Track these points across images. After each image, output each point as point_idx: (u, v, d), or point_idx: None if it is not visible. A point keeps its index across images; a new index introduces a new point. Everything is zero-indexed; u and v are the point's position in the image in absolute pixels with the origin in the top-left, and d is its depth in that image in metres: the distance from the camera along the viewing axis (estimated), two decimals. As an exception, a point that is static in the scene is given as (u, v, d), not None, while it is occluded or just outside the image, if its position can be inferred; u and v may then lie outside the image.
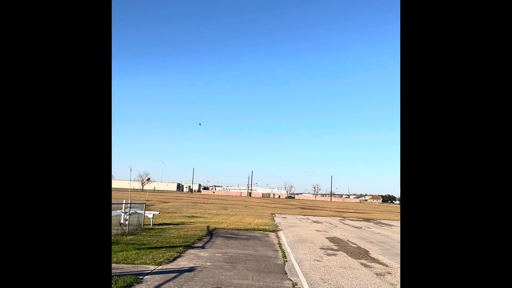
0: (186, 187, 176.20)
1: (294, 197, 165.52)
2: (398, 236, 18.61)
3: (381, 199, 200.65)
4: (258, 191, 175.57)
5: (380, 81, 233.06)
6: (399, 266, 9.52)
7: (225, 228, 17.55)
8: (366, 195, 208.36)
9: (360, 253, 12.29)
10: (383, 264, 10.54)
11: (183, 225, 17.88)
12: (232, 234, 15.41)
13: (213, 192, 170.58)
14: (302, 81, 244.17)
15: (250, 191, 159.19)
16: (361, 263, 10.40)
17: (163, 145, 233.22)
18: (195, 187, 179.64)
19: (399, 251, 13.24)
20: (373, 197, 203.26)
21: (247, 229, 17.68)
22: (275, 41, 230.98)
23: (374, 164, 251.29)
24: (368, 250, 13.21)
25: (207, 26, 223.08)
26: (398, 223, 29.23)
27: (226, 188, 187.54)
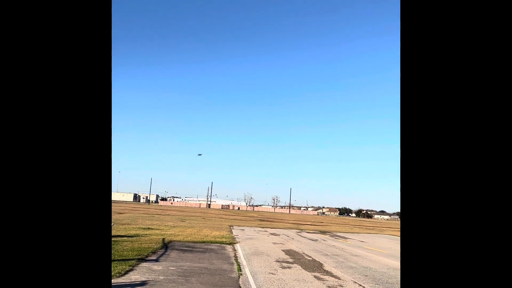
0: (143, 198, 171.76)
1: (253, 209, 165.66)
2: (352, 249, 19.08)
3: (338, 211, 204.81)
4: (217, 202, 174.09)
5: (338, 98, 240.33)
6: (352, 279, 9.74)
7: (181, 241, 17.27)
8: (323, 207, 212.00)
9: (314, 266, 12.48)
10: (335, 277, 10.77)
11: (137, 237, 17.41)
12: (188, 247, 15.19)
13: (171, 204, 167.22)
14: (263, 96, 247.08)
15: (209, 202, 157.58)
16: (315, 276, 10.57)
17: (119, 154, 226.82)
18: (153, 198, 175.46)
19: (352, 264, 13.60)
20: (330, 209, 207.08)
21: (204, 242, 17.49)
22: (239, 54, 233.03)
23: (331, 178, 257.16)
24: (322, 263, 13.44)
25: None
26: (353, 236, 29.96)
27: (185, 200, 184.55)
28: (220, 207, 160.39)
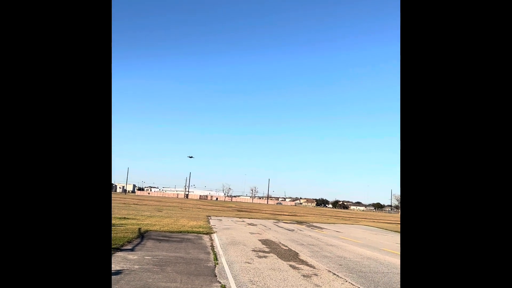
0: (120, 188, 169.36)
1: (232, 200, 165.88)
2: (327, 239, 19.39)
3: (315, 202, 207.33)
4: (195, 193, 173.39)
5: (318, 92, 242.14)
6: (326, 268, 9.89)
7: (157, 231, 17.16)
8: (301, 198, 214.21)
9: (290, 255, 12.63)
10: (311, 266, 10.93)
11: (113, 227, 17.19)
12: (164, 237, 15.11)
13: (149, 194, 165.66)
14: (241, 88, 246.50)
15: (187, 193, 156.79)
16: (290, 265, 10.70)
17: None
18: (129, 188, 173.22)
19: (327, 253, 13.82)
20: (308, 200, 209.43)
21: (181, 232, 17.43)
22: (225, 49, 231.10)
23: (309, 169, 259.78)
24: (298, 252, 13.61)
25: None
26: (329, 226, 30.43)
27: (163, 190, 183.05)
28: (198, 198, 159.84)
